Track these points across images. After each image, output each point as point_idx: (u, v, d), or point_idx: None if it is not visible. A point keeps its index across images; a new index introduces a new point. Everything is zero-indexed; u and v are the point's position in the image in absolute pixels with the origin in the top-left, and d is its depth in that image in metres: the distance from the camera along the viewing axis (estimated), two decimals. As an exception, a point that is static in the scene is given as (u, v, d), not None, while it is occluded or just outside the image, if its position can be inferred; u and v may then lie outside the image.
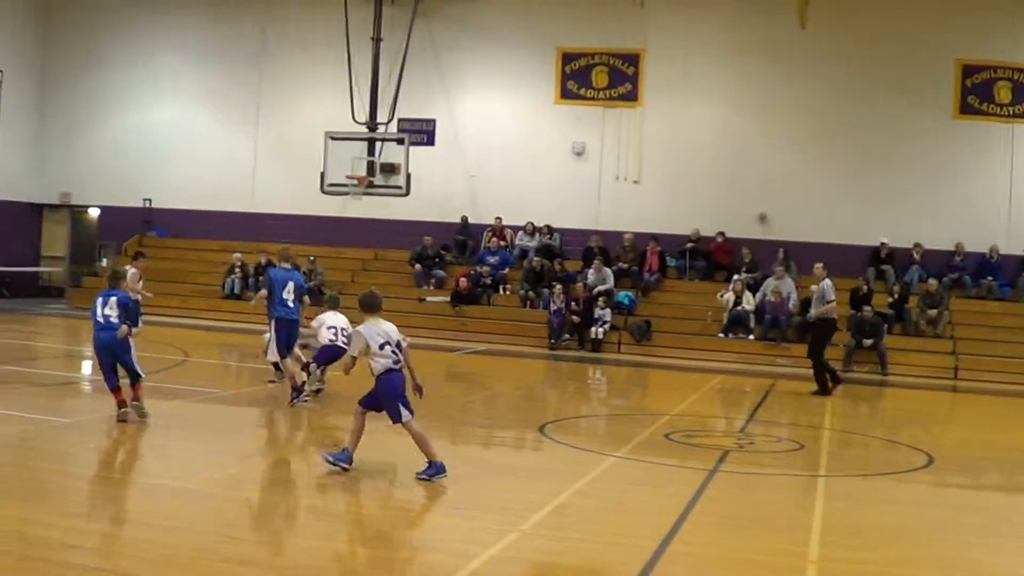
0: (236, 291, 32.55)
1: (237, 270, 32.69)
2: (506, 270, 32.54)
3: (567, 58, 33.93)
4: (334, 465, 11.63)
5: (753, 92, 32.49)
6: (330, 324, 16.93)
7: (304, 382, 16.72)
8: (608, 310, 29.82)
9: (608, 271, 31.11)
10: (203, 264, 34.07)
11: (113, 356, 14.38)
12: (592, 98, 33.78)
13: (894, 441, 17.27)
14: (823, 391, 21.79)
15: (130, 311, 14.45)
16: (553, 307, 29.76)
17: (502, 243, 33.31)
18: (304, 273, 31.68)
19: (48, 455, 12.53)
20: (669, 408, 19.19)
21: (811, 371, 22.22)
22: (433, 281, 32.85)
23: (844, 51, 31.51)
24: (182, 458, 12.96)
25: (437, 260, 33.29)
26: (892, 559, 9.71)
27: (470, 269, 32.45)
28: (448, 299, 31.60)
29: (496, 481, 12.24)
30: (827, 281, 21.99)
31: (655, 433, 15.95)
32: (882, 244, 30.73)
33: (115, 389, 14.41)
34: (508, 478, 12.53)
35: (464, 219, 34.26)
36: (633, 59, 33.43)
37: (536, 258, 32.02)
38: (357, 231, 34.95)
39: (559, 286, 30.04)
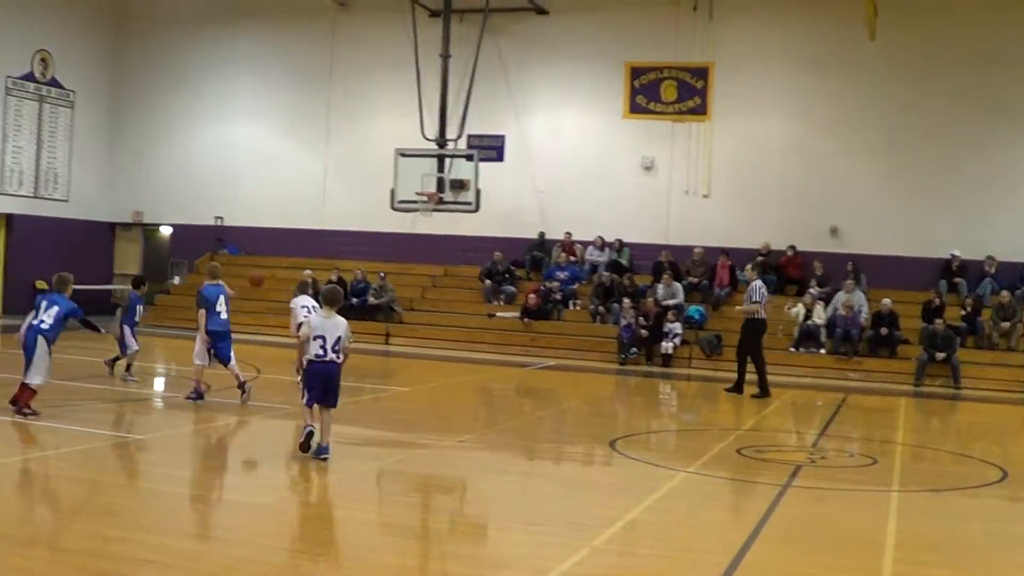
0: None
1: (308, 287, 32.82)
2: (576, 285, 32.55)
3: (636, 72, 33.86)
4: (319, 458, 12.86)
5: (822, 104, 32.28)
6: (303, 304, 18.59)
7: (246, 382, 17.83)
8: (679, 324, 29.74)
9: (678, 285, 31.01)
10: (274, 281, 34.15)
11: (27, 356, 14.83)
12: (661, 112, 33.67)
13: (967, 456, 17.10)
14: (735, 388, 22.63)
15: (61, 322, 14.96)
16: (623, 322, 29.75)
17: (572, 258, 33.31)
18: (375, 289, 32.20)
19: (121, 471, 12.71)
20: (740, 423, 19.12)
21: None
22: (503, 297, 32.92)
23: (913, 63, 31.22)
24: (250, 473, 13.15)
25: (507, 276, 33.37)
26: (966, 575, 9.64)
27: (539, 285, 32.50)
28: (518, 315, 31.68)
29: (567, 496, 12.25)
30: (757, 282, 22.74)
31: (727, 448, 15.88)
32: (953, 256, 30.37)
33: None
34: (579, 493, 12.53)
35: (541, 235, 34.25)
36: (702, 73, 33.33)
37: (606, 273, 31.97)
38: (427, 247, 35.09)
39: (629, 301, 30.05)
